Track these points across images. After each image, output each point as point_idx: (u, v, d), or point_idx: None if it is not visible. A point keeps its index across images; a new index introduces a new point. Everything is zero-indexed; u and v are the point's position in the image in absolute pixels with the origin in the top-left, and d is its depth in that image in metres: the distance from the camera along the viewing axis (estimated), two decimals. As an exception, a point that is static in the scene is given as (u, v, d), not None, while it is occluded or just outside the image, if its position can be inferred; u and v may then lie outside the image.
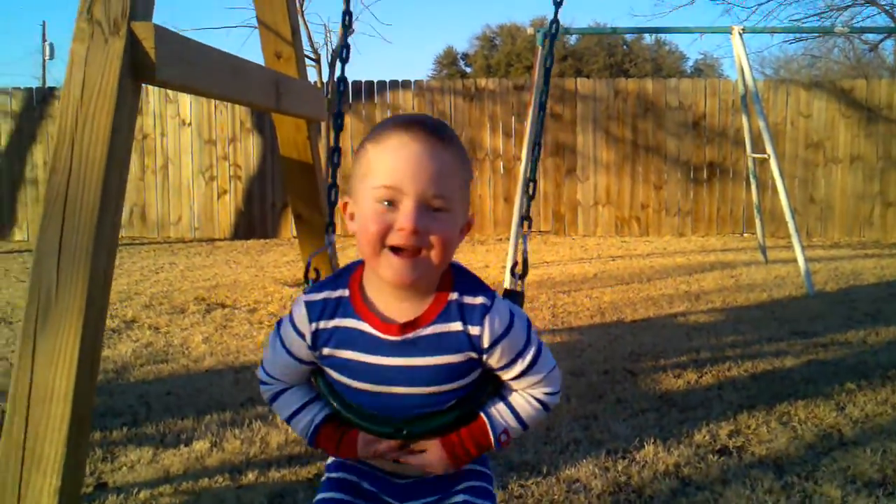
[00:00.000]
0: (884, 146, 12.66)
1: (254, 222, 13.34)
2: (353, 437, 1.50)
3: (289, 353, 1.51)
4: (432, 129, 1.39)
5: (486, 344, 1.43)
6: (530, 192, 1.94)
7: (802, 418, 3.77)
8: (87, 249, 1.78)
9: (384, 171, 1.36)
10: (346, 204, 1.47)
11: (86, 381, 1.75)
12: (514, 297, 1.62)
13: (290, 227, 12.99)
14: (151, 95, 13.25)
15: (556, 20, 2.14)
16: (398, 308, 1.43)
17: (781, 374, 4.52)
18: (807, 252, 7.72)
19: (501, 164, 13.11)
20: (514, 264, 1.72)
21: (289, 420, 1.59)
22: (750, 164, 9.16)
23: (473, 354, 1.44)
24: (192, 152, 13.36)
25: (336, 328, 1.46)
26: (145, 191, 13.35)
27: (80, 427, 1.73)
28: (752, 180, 9.18)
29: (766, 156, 7.83)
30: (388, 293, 1.44)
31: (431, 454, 1.49)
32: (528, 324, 1.49)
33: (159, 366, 4.89)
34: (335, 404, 1.52)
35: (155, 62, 1.90)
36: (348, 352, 1.45)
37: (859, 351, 5.06)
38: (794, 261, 7.69)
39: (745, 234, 12.61)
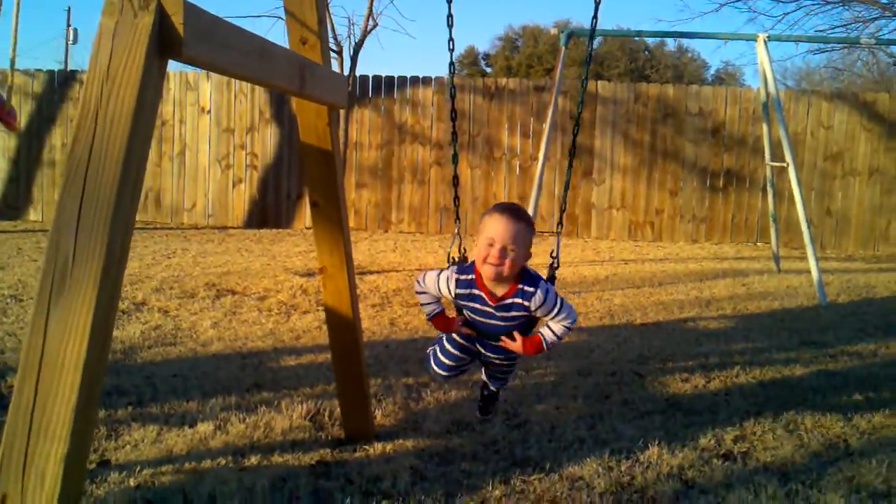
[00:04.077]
0: (903, 160, 12.59)
1: (268, 212, 13.38)
2: (451, 321, 2.95)
3: (439, 290, 2.89)
4: (512, 214, 2.73)
5: (533, 308, 2.79)
6: (563, 206, 3.26)
7: (809, 427, 3.76)
8: (105, 221, 1.78)
9: (488, 231, 2.70)
10: (471, 249, 2.92)
11: (97, 351, 1.76)
12: (550, 279, 2.93)
13: (303, 219, 13.01)
14: (172, 82, 13.32)
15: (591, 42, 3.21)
16: (496, 288, 2.80)
17: (790, 383, 4.51)
18: (821, 263, 7.68)
19: (518, 163, 13.10)
20: (553, 261, 2.97)
21: (423, 304, 2.99)
22: (768, 172, 9.13)
23: (526, 312, 2.81)
24: (209, 140, 13.41)
25: (469, 293, 2.84)
26: (161, 176, 13.41)
27: (89, 396, 1.74)
28: (770, 189, 9.15)
29: (784, 164, 7.80)
30: (492, 281, 2.78)
31: (516, 344, 2.85)
32: (555, 296, 2.80)
33: (167, 348, 4.91)
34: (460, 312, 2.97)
35: (183, 38, 1.90)
36: (473, 304, 2.85)
37: (869, 363, 5.04)
38: (808, 271, 7.66)
39: (759, 244, 12.55)
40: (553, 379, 4.49)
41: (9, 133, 12.85)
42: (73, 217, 1.79)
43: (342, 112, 9.49)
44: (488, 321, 2.86)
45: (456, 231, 3.07)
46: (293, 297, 6.72)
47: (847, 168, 12.70)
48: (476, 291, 2.82)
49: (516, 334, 2.86)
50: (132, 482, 2.93)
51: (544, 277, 2.89)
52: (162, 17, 1.87)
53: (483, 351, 3.03)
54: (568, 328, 2.84)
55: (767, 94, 8.37)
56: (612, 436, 3.58)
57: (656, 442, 3.47)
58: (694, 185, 12.94)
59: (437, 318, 2.97)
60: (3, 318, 5.51)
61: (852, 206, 12.71)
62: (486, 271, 2.72)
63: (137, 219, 11.89)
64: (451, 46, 3.18)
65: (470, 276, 2.83)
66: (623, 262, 10.08)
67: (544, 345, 2.86)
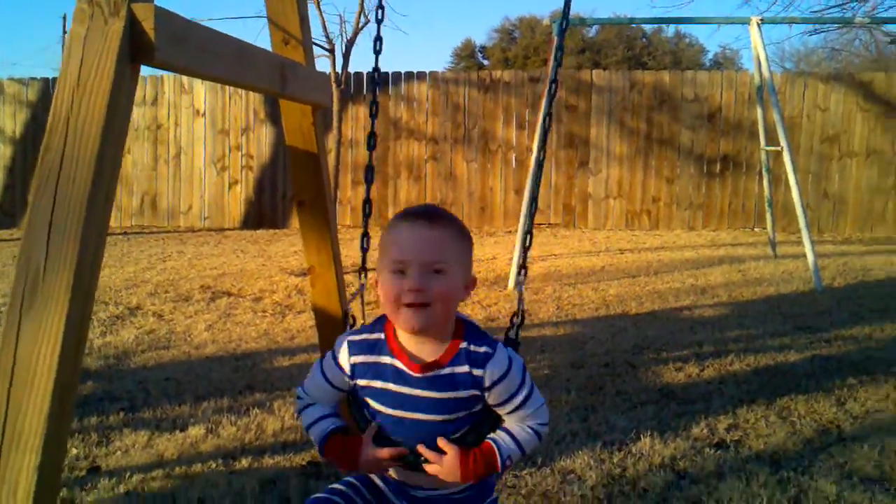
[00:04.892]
0: (901, 140, 12.55)
1: (264, 212, 13.37)
2: (356, 444, 1.80)
3: (325, 378, 1.85)
4: (426, 214, 1.77)
5: (486, 384, 1.73)
6: (527, 243, 2.04)
7: (802, 413, 3.75)
8: (77, 229, 1.77)
9: (394, 250, 1.74)
10: (376, 281, 1.81)
11: (70, 359, 1.75)
12: (513, 344, 1.88)
13: (300, 217, 12.99)
14: (166, 85, 13.30)
15: (567, 10, 2.31)
16: (421, 351, 1.75)
17: (784, 369, 4.50)
18: (817, 247, 7.67)
19: (514, 155, 13.08)
20: (514, 315, 1.92)
21: (308, 427, 1.89)
22: (763, 156, 9.10)
23: (477, 392, 1.75)
24: (204, 142, 13.40)
25: (374, 363, 1.78)
26: (157, 180, 13.41)
27: (61, 405, 1.73)
28: (765, 174, 9.12)
29: (779, 148, 7.77)
30: (413, 340, 1.76)
31: (449, 460, 1.74)
32: (523, 368, 1.78)
33: (160, 352, 4.91)
34: (361, 422, 1.84)
35: (154, 43, 1.89)
36: (381, 382, 1.77)
37: (864, 347, 5.02)
38: (804, 256, 7.64)
39: (757, 229, 12.51)
40: (546, 372, 4.48)
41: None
42: (45, 225, 1.78)
43: (336, 110, 9.46)
44: (410, 414, 1.76)
45: (361, 279, 2.12)
46: (288, 297, 6.72)
47: (844, 150, 12.66)
48: (386, 360, 1.77)
49: (446, 444, 1.75)
50: (122, 488, 2.92)
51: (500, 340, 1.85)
52: (133, 23, 1.86)
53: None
54: (538, 433, 1.81)
55: (761, 77, 8.34)
56: (605, 428, 3.57)
57: (649, 433, 3.46)
58: (691, 172, 12.91)
59: (333, 443, 1.82)
60: (-2, 327, 5.50)
61: (849, 189, 12.66)
62: (404, 319, 1.71)
63: (134, 223, 11.90)
64: (376, 78, 2.44)
65: (376, 336, 1.80)
66: (619, 251, 10.06)
67: (499, 460, 1.76)
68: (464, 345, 1.75)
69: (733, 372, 4.45)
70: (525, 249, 2.04)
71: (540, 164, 2.29)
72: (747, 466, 3.12)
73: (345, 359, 1.81)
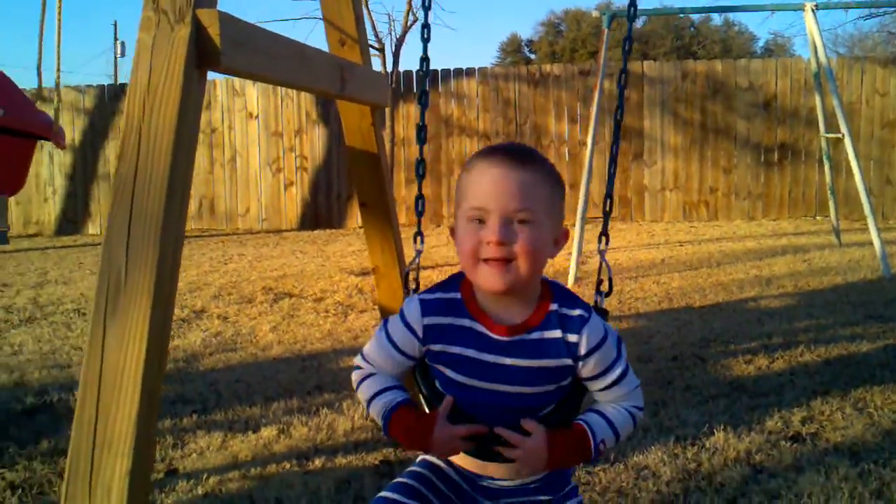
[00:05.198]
0: (964, 124, 12.22)
1: (320, 213, 13.47)
2: (427, 421, 1.55)
3: (392, 343, 1.62)
4: (512, 153, 1.54)
5: (582, 352, 1.54)
6: (608, 207, 1.91)
7: (879, 404, 3.66)
8: (155, 234, 1.80)
9: (472, 194, 1.51)
10: (452, 229, 1.59)
11: (155, 363, 1.78)
12: (603, 314, 1.68)
13: (355, 218, 13.07)
14: (219, 89, 13.47)
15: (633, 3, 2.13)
16: (504, 313, 1.55)
17: (856, 360, 4.40)
18: (883, 234, 7.50)
19: (566, 149, 13.01)
20: (600, 282, 1.74)
21: (369, 400, 1.66)
22: (823, 144, 8.93)
23: (569, 361, 1.54)
24: (259, 145, 13.54)
25: (450, 325, 1.56)
26: (214, 184, 13.59)
27: (149, 408, 1.75)
28: (826, 161, 8.94)
29: (840, 135, 7.61)
30: (495, 300, 1.55)
31: (534, 443, 1.52)
32: (619, 340, 1.59)
33: (228, 354, 4.97)
34: (432, 396, 1.64)
35: (220, 49, 1.90)
36: (458, 347, 1.56)
37: (939, 335, 4.89)
38: (870, 243, 7.47)
39: (819, 218, 12.28)
40: (613, 367, 4.44)
41: (63, 151, 13.15)
42: (124, 232, 1.81)
43: (388, 109, 9.50)
44: (491, 385, 1.55)
45: (417, 243, 1.89)
46: (349, 296, 6.76)
47: (906, 135, 12.37)
48: (465, 322, 1.56)
49: (532, 424, 1.54)
50: (200, 490, 2.96)
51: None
52: (198, 29, 1.87)
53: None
54: (633, 416, 1.62)
55: (818, 64, 8.18)
56: (677, 422, 3.52)
57: (722, 427, 3.40)
58: (748, 162, 12.71)
59: (399, 416, 1.58)
60: (69, 332, 5.63)
61: (913, 174, 12.37)
62: (483, 277, 1.50)
63: (193, 227, 12.06)
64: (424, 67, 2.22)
65: (452, 296, 1.59)
66: (679, 243, 9.94)
67: (592, 444, 1.55)
68: (554, 307, 1.55)
69: (804, 363, 4.36)
70: (606, 215, 1.88)
71: (617, 139, 2.13)
72: (826, 459, 3.06)
73: (416, 319, 1.57)
